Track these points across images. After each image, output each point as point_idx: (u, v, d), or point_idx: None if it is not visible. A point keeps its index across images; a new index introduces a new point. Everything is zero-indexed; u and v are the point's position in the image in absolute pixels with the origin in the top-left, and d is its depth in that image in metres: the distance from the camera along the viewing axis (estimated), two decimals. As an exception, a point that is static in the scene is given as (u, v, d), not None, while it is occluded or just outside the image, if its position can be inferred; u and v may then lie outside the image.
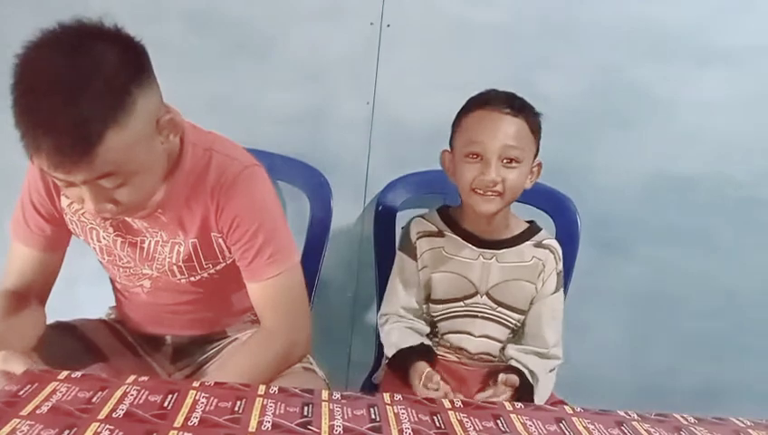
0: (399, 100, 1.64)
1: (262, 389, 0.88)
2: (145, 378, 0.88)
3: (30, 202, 1.13)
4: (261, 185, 1.14)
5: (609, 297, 1.80)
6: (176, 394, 0.84)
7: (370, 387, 1.43)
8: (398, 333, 1.34)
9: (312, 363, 1.24)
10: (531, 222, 1.41)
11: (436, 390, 1.18)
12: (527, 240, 1.37)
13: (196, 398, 0.83)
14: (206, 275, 1.18)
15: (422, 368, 1.24)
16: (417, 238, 1.38)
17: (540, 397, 1.27)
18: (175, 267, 1.16)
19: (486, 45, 1.65)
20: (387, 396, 0.90)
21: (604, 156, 1.73)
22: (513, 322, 1.37)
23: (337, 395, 0.89)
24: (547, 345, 1.33)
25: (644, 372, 1.87)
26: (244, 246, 1.11)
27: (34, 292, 1.16)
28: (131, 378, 0.87)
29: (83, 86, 0.86)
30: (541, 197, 1.58)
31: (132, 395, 0.82)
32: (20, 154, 0.90)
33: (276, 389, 0.89)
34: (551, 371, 1.33)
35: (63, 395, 0.81)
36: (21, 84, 0.87)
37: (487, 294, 1.35)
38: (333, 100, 1.66)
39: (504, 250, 1.35)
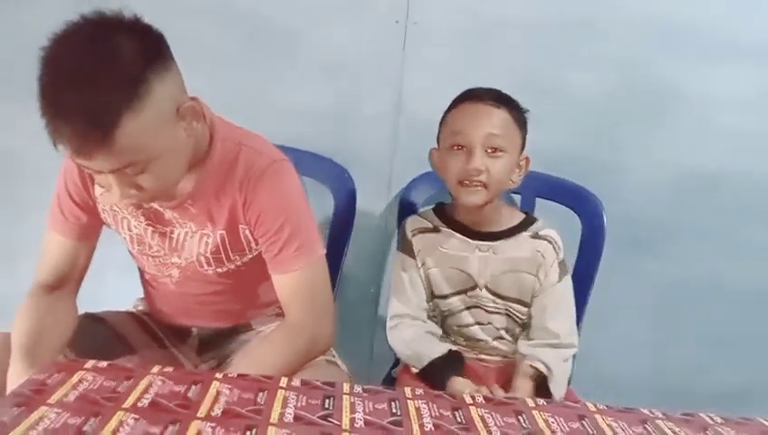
0: (424, 96, 1.64)
1: (284, 381, 0.89)
2: (169, 368, 0.90)
3: (66, 191, 1.16)
4: (288, 179, 1.15)
5: (634, 296, 1.78)
6: (199, 385, 0.85)
7: (392, 381, 1.43)
8: (420, 340, 1.33)
9: (335, 356, 1.25)
10: (526, 212, 1.41)
11: None
12: (523, 231, 1.35)
13: (220, 389, 0.85)
14: (232, 266, 1.19)
15: (462, 387, 1.21)
16: (413, 236, 1.38)
17: (556, 387, 1.26)
18: (203, 258, 1.18)
19: (512, 42, 1.64)
20: (408, 390, 0.90)
21: (631, 153, 1.71)
22: (518, 314, 1.36)
23: (358, 389, 0.89)
24: (558, 336, 1.32)
25: (668, 372, 1.84)
26: (271, 239, 1.13)
27: (68, 282, 1.18)
28: (156, 368, 0.89)
29: (100, 74, 0.89)
30: (566, 193, 1.56)
31: (157, 385, 0.84)
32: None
33: (298, 381, 0.90)
34: (565, 360, 1.31)
35: (90, 384, 0.83)
36: (44, 76, 0.90)
37: (486, 287, 1.35)
38: (359, 96, 1.67)
39: (500, 242, 1.34)
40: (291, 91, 1.66)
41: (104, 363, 0.89)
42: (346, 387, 0.89)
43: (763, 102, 1.68)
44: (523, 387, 1.25)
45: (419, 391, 0.90)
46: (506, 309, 1.36)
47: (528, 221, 1.37)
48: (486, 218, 1.34)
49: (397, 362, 1.47)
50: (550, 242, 1.35)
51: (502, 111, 1.28)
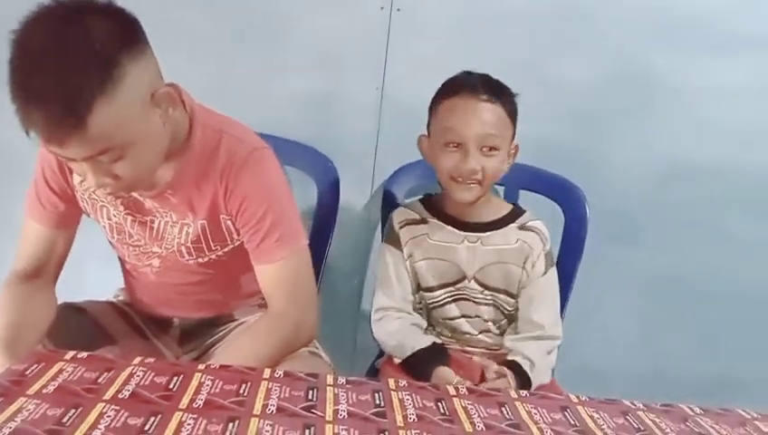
0: (409, 85, 1.63)
1: (267, 372, 0.89)
2: (151, 360, 0.89)
3: (43, 179, 1.14)
4: (270, 167, 1.14)
5: (618, 287, 1.79)
6: (181, 376, 0.84)
7: (375, 373, 1.43)
8: (404, 332, 1.33)
9: (318, 348, 1.24)
10: (514, 204, 1.41)
11: None
12: (511, 223, 1.36)
13: (202, 380, 0.84)
14: (213, 256, 1.18)
15: (447, 376, 1.22)
16: (400, 228, 1.37)
17: (538, 378, 1.26)
18: (183, 248, 1.16)
19: (498, 31, 1.63)
20: (392, 382, 0.90)
21: (617, 144, 1.72)
22: (504, 305, 1.36)
23: (342, 380, 0.89)
24: (542, 327, 1.32)
25: (653, 362, 1.86)
26: (253, 229, 1.12)
27: (46, 271, 1.17)
28: (137, 359, 0.88)
29: (71, 58, 0.87)
30: (549, 185, 1.57)
31: (138, 376, 0.83)
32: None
33: (282, 373, 0.89)
34: (549, 352, 1.32)
35: (70, 375, 0.82)
36: (14, 60, 0.88)
37: (475, 279, 1.35)
38: (343, 85, 1.66)
39: (488, 233, 1.34)
40: (274, 80, 1.65)
41: (84, 354, 0.88)
42: (329, 378, 0.89)
43: (751, 94, 1.69)
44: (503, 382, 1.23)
45: (403, 383, 0.90)
46: (494, 300, 1.36)
47: (515, 213, 1.38)
48: (476, 210, 1.34)
49: (381, 353, 1.47)
50: (537, 233, 1.35)
51: (497, 106, 1.26)
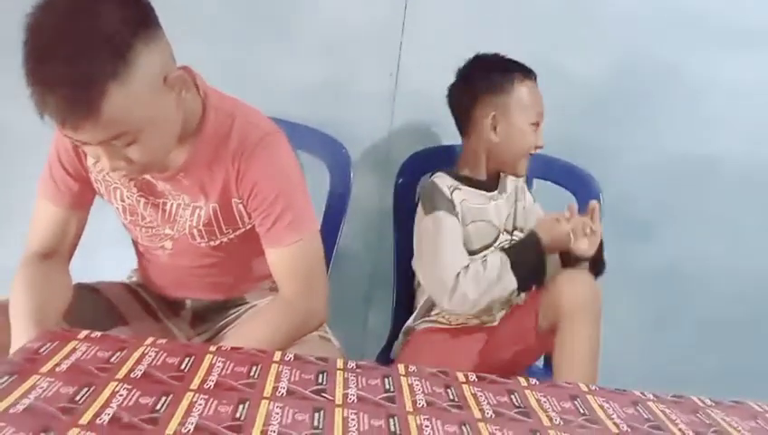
0: (422, 73, 1.63)
1: (278, 355, 0.89)
2: (163, 340, 0.90)
3: (57, 160, 1.15)
4: (282, 152, 1.14)
5: (629, 277, 1.78)
6: (193, 357, 0.85)
7: (385, 361, 1.44)
8: (491, 259, 1.34)
9: (327, 332, 1.25)
10: None
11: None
12: (498, 174, 1.51)
13: (213, 362, 0.84)
14: (225, 239, 1.18)
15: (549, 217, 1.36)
16: (452, 192, 1.41)
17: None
18: (195, 231, 1.17)
19: (511, 20, 1.63)
20: (401, 367, 0.91)
21: (629, 136, 1.71)
22: None
23: (352, 364, 0.89)
24: None
25: (663, 354, 1.86)
26: (264, 212, 1.12)
27: (60, 252, 1.17)
28: (150, 340, 0.89)
29: (84, 42, 0.87)
30: (563, 174, 1.56)
31: (150, 356, 0.84)
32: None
33: (292, 356, 0.90)
34: None
35: (83, 354, 0.82)
36: (28, 45, 0.88)
37: (505, 230, 1.47)
38: (356, 71, 1.65)
39: (498, 189, 1.49)
40: (288, 66, 1.64)
41: (98, 334, 0.89)
42: (340, 362, 0.89)
43: (761, 88, 1.67)
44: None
45: (413, 368, 0.91)
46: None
47: None
48: (493, 175, 1.49)
49: (391, 341, 1.47)
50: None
51: None
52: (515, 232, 1.49)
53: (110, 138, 0.93)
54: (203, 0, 1.60)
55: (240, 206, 1.14)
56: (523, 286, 1.34)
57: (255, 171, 1.11)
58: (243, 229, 1.18)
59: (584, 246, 1.33)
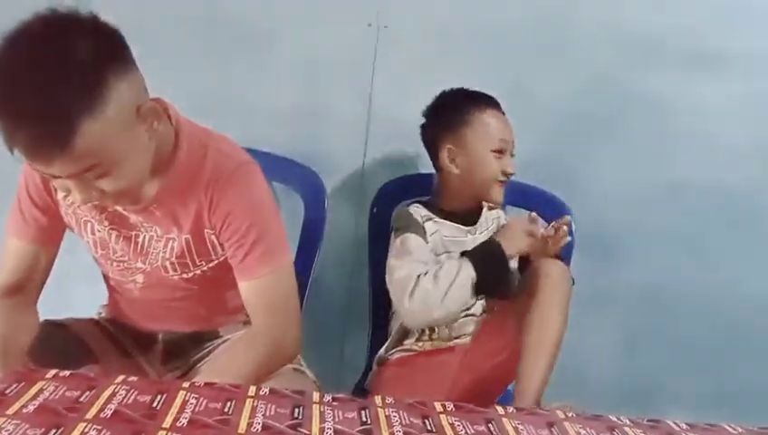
0: (396, 101, 1.64)
1: (252, 390, 0.88)
2: (134, 378, 0.88)
3: (26, 193, 1.13)
4: (255, 182, 1.14)
5: (602, 301, 1.80)
6: (165, 394, 0.83)
7: (362, 391, 1.42)
8: (449, 260, 1.36)
9: (302, 365, 1.23)
10: None
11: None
12: (482, 207, 1.52)
13: (186, 398, 0.83)
14: (198, 271, 1.17)
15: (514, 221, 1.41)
16: (424, 221, 1.42)
17: None
18: (168, 263, 1.15)
19: (483, 48, 1.65)
20: (378, 399, 0.89)
21: (598, 160, 1.74)
22: None
23: (328, 397, 0.88)
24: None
25: (637, 376, 1.87)
26: (237, 244, 1.11)
27: (28, 288, 1.15)
28: (120, 378, 0.86)
29: (55, 76, 0.85)
30: (536, 200, 1.58)
31: (121, 395, 0.82)
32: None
33: (267, 390, 0.88)
34: None
35: (51, 394, 0.80)
36: None
37: None
38: (330, 100, 1.66)
39: (478, 223, 1.49)
40: (261, 94, 1.65)
41: (66, 373, 0.87)
42: (316, 396, 0.88)
43: (729, 111, 1.72)
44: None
45: (390, 400, 0.90)
46: None
47: None
48: (473, 208, 1.50)
49: (367, 371, 1.46)
50: (495, 208, 1.54)
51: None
52: None
53: (81, 171, 0.92)
54: (175, 29, 1.60)
55: (213, 237, 1.13)
56: (484, 285, 1.33)
57: (228, 202, 1.10)
58: (216, 261, 1.17)
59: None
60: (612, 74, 1.69)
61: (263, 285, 1.12)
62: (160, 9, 1.59)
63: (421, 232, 1.40)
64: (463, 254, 1.37)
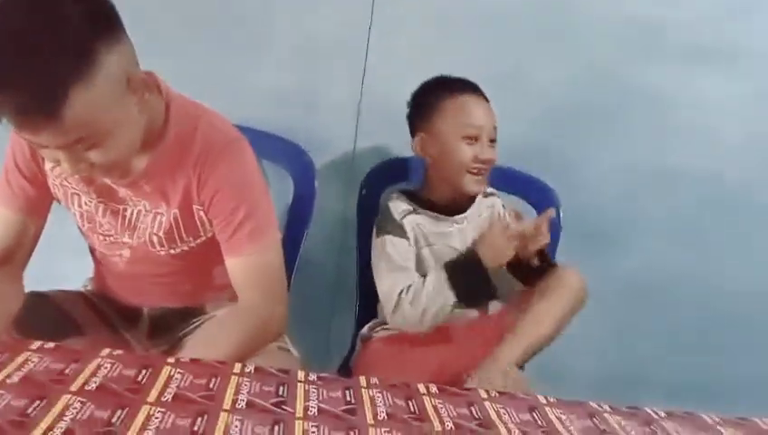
0: (389, 84, 1.63)
1: (237, 367, 0.88)
2: (119, 351, 0.88)
3: (14, 163, 1.12)
4: (245, 159, 1.13)
5: (592, 289, 1.81)
6: (150, 369, 0.83)
7: (348, 370, 1.43)
8: (429, 276, 1.34)
9: (287, 343, 1.24)
10: None
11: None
12: (476, 196, 1.46)
13: (171, 373, 0.83)
14: (186, 247, 1.17)
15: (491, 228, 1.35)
16: (402, 217, 1.40)
17: None
18: (155, 238, 1.15)
19: (478, 32, 1.64)
20: (363, 379, 0.90)
21: (591, 149, 1.74)
22: None
23: (313, 376, 0.89)
24: None
25: (625, 364, 1.89)
26: (225, 220, 1.11)
27: (15, 258, 1.14)
28: (105, 351, 0.87)
29: (45, 44, 0.84)
30: (522, 186, 1.58)
31: (106, 368, 0.82)
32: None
33: (252, 368, 0.89)
34: None
35: (35, 365, 0.80)
36: None
37: None
38: (322, 81, 1.65)
39: (467, 212, 1.45)
40: (253, 74, 1.63)
41: (51, 344, 0.86)
42: (301, 375, 0.89)
43: (722, 102, 1.73)
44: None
45: (374, 380, 0.90)
46: None
47: None
48: (459, 197, 1.44)
49: (351, 351, 1.47)
50: (495, 195, 1.51)
51: (489, 104, 1.41)
52: None
53: (71, 142, 0.91)
54: (170, 9, 1.57)
55: (201, 213, 1.13)
56: (465, 300, 1.34)
57: (218, 179, 1.09)
58: (204, 237, 1.16)
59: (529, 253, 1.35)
60: (612, 66, 1.69)
61: (250, 263, 1.12)
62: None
63: (399, 232, 1.38)
64: (445, 265, 1.35)
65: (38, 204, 1.15)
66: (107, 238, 1.18)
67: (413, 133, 1.47)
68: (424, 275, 1.36)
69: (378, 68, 1.64)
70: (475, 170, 1.38)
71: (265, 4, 1.60)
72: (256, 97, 1.63)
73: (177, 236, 1.15)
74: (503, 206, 1.50)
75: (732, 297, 1.84)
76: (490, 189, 1.49)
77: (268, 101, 1.63)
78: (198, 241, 1.17)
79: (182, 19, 1.59)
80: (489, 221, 1.45)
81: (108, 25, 0.92)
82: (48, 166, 1.11)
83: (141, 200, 1.12)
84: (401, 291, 1.33)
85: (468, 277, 1.33)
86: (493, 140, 1.40)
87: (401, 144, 1.60)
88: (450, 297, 1.32)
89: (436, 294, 1.32)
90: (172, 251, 1.17)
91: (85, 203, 1.14)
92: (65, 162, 0.94)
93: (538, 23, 1.65)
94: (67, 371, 0.80)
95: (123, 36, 0.95)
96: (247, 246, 1.11)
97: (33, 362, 0.81)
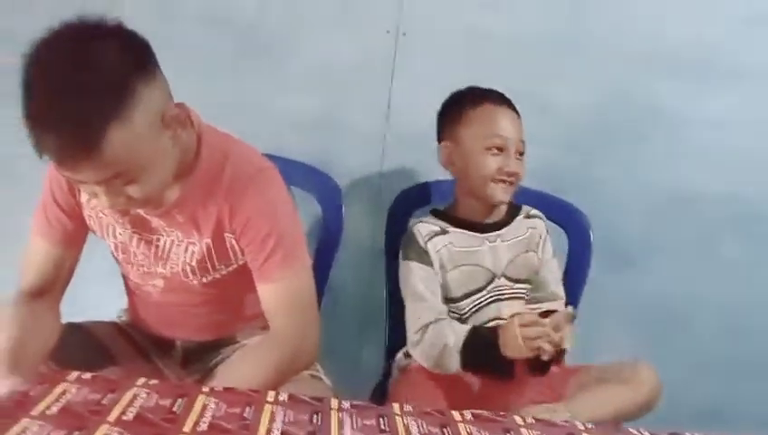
0: (414, 108, 1.64)
1: (271, 395, 0.88)
2: (154, 381, 0.88)
3: (51, 197, 1.15)
4: (275, 187, 1.15)
5: (617, 311, 1.79)
6: (185, 398, 0.84)
7: (379, 397, 1.42)
8: (452, 327, 1.31)
9: (319, 371, 1.23)
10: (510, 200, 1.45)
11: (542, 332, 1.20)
12: (517, 215, 1.45)
13: (206, 402, 0.83)
14: (218, 276, 1.18)
15: (512, 323, 1.22)
16: (427, 241, 1.38)
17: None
18: (188, 267, 1.16)
19: (501, 56, 1.65)
20: (396, 407, 0.90)
21: (614, 170, 1.73)
22: (526, 293, 1.41)
23: (346, 404, 0.88)
24: (562, 298, 1.43)
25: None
26: (257, 247, 1.12)
27: (52, 290, 1.16)
28: (141, 380, 0.87)
29: (84, 83, 0.87)
30: (554, 209, 1.57)
31: (142, 398, 0.83)
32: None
33: (286, 396, 0.89)
34: None
35: (73, 396, 0.81)
36: (26, 84, 0.88)
37: (504, 275, 1.39)
38: (348, 107, 1.67)
39: (503, 230, 1.42)
40: (280, 101, 1.66)
41: (88, 375, 0.88)
42: (334, 402, 0.88)
43: (741, 122, 1.71)
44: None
45: (408, 408, 0.90)
46: (521, 291, 1.40)
47: (515, 206, 1.47)
48: (490, 212, 1.42)
49: (385, 375, 1.46)
50: (539, 218, 1.47)
51: (518, 116, 1.40)
52: (520, 283, 1.41)
53: (109, 177, 0.93)
54: (198, 37, 1.61)
55: (233, 241, 1.14)
56: (470, 370, 1.31)
57: (248, 207, 1.11)
58: (235, 265, 1.17)
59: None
60: (631, 85, 1.68)
61: (282, 288, 1.12)
62: (183, 17, 1.61)
63: (424, 258, 1.37)
64: (473, 329, 1.31)
65: (75, 236, 1.18)
66: (141, 268, 1.20)
67: (440, 142, 1.46)
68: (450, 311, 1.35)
69: (403, 93, 1.65)
70: (501, 181, 1.36)
71: (291, 32, 1.63)
72: (284, 124, 1.65)
73: (209, 265, 1.16)
74: (546, 230, 1.47)
75: (755, 314, 1.80)
76: (534, 211, 1.47)
77: (295, 128, 1.65)
78: (230, 269, 1.18)
79: (209, 48, 1.63)
80: (526, 242, 1.42)
81: (143, 62, 0.95)
82: (84, 198, 1.14)
83: (174, 230, 1.14)
84: (425, 326, 1.32)
85: (481, 354, 1.28)
86: (521, 154, 1.38)
87: (428, 168, 1.61)
88: (453, 363, 1.29)
89: (443, 356, 1.30)
90: (204, 280, 1.18)
91: (119, 234, 1.16)
92: (103, 196, 0.96)
93: (559, 45, 1.65)
94: (104, 401, 0.81)
95: (158, 72, 0.98)
96: (279, 272, 1.12)
97: (71, 392, 0.82)
